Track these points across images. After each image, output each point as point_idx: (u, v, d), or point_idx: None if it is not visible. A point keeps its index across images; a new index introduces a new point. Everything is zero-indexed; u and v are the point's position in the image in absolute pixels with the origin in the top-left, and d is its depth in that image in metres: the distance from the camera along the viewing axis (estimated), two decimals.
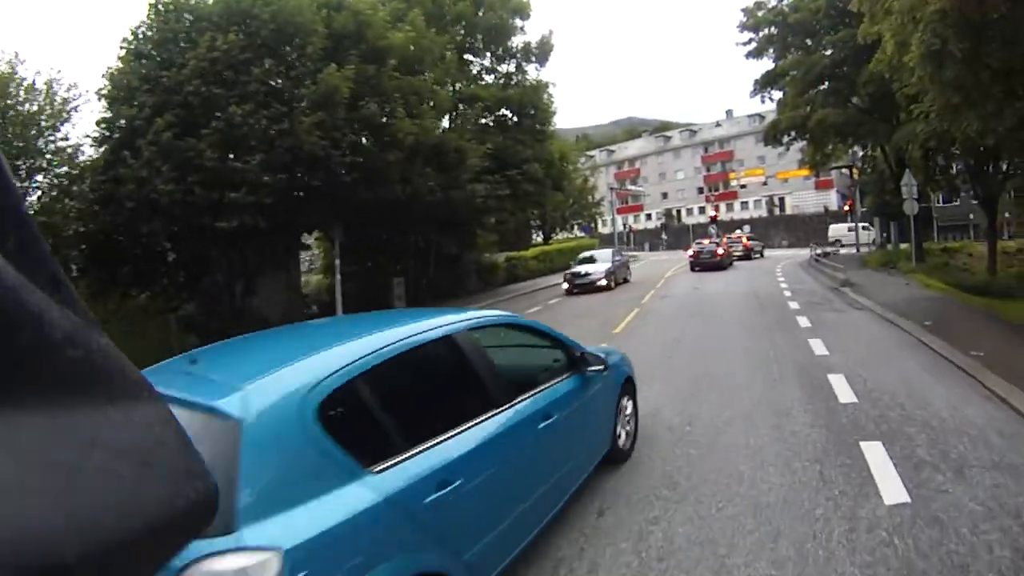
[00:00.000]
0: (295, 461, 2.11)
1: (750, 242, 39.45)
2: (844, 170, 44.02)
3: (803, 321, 12.19)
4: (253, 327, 4.79)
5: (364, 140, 14.82)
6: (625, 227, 64.88)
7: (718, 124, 74.05)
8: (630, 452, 4.95)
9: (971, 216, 42.43)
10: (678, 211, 75.00)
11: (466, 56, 23.20)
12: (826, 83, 27.51)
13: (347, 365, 2.45)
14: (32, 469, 0.29)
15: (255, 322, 13.39)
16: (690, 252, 31.02)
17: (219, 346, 3.28)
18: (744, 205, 68.53)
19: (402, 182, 15.47)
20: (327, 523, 2.03)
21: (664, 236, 65.54)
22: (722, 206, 63.50)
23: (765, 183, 65.58)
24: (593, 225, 54.41)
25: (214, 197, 12.91)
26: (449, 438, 2.73)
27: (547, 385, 3.73)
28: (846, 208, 43.11)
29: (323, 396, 2.28)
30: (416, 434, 2.60)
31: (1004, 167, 21.80)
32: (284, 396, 2.20)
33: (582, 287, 21.61)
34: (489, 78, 24.20)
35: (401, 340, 2.79)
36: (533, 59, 24.25)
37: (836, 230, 46.16)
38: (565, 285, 22.19)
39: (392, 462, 2.40)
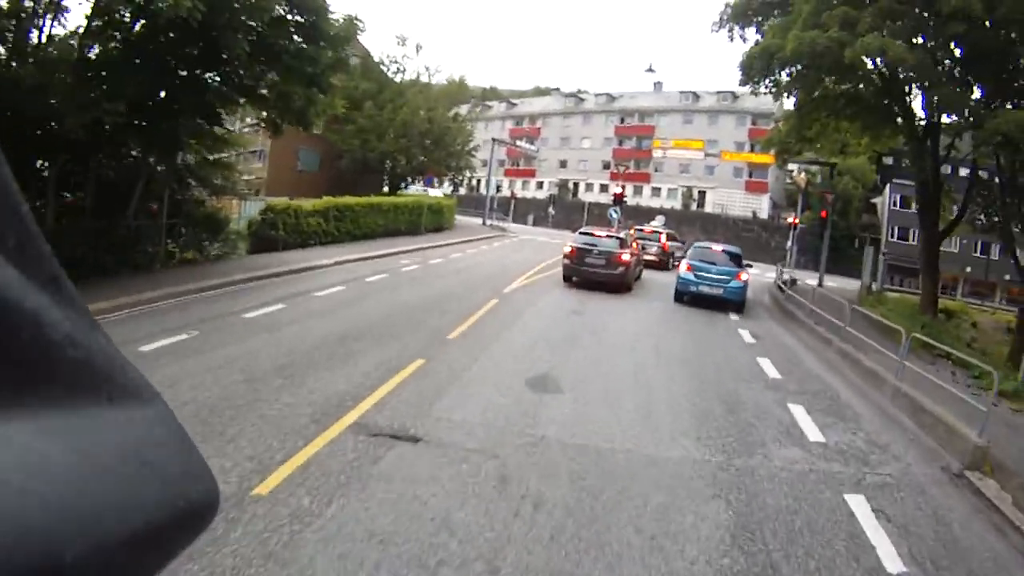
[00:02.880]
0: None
1: (669, 242, 25.85)
2: (806, 169, 32.19)
3: None
4: None
5: None
6: (498, 191, 50.86)
7: (646, 90, 61.29)
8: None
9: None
10: (576, 184, 62.45)
11: None
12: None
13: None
14: (31, 470, 0.29)
15: None
16: (569, 246, 16.96)
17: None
18: (656, 191, 57.10)
19: None
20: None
21: (551, 210, 52.53)
22: (629, 188, 51.18)
23: (686, 170, 54.09)
24: (460, 180, 40.41)
25: None
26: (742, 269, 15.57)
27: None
28: (791, 220, 31.72)
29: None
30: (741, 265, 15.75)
31: None
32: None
33: None
34: None
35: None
36: None
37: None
38: None
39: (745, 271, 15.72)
